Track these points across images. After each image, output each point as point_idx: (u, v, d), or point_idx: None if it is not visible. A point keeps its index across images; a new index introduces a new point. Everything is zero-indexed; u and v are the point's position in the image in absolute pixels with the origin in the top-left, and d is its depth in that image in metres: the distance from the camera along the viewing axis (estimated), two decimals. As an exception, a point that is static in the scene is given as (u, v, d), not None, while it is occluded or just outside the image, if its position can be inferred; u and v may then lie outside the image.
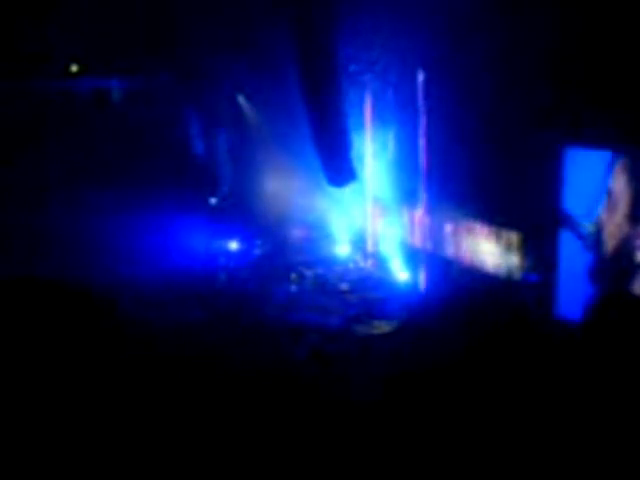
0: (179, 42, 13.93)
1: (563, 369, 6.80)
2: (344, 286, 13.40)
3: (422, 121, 12.30)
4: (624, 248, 8.21)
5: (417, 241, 12.99)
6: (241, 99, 16.49)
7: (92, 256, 12.63)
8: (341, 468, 4.81)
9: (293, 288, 13.44)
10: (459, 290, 11.13)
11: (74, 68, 14.26)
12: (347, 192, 15.87)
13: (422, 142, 12.34)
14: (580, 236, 8.70)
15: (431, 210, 12.46)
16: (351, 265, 14.81)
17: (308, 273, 14.15)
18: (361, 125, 14.25)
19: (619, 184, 8.13)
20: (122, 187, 14.37)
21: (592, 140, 8.26)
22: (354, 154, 13.30)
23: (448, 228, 12.11)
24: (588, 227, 8.59)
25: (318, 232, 16.25)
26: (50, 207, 13.88)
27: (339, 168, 13.01)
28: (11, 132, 13.69)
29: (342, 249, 15.82)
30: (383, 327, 10.77)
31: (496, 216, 10.58)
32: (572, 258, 8.91)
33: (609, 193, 8.24)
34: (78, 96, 14.94)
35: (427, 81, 12.06)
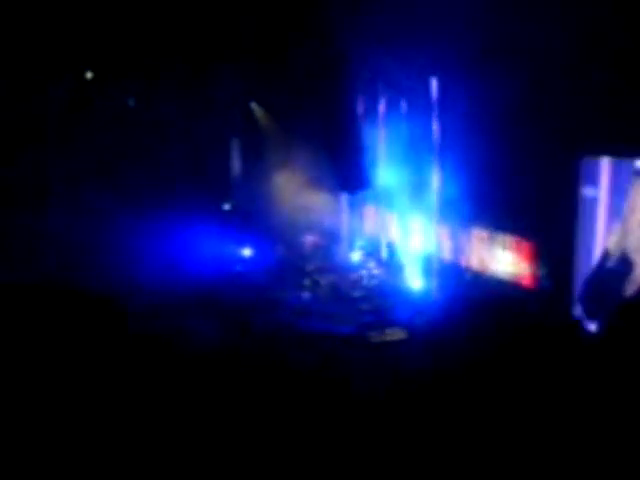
0: (193, 49, 13.98)
1: (580, 374, 6.71)
2: (357, 293, 13.36)
3: (437, 129, 12.25)
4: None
5: (431, 249, 12.92)
6: (254, 105, 16.54)
7: (105, 261, 12.65)
8: (347, 470, 4.79)
9: (307, 295, 13.40)
10: (472, 297, 11.06)
11: (89, 75, 14.37)
12: (360, 199, 15.87)
13: (437, 150, 12.29)
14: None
15: (445, 218, 12.39)
16: (364, 272, 14.76)
17: (322, 280, 14.12)
18: (374, 132, 14.24)
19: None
20: (135, 192, 14.43)
21: (609, 151, 8.20)
22: (368, 161, 13.28)
23: (462, 236, 12.05)
24: None
25: (331, 238, 16.24)
26: (62, 211, 13.92)
27: (352, 175, 13.00)
28: (24, 133, 13.79)
29: (355, 256, 15.78)
30: (396, 334, 10.71)
31: (511, 224, 10.50)
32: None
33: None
34: (92, 100, 15.05)
35: (442, 89, 12.02)
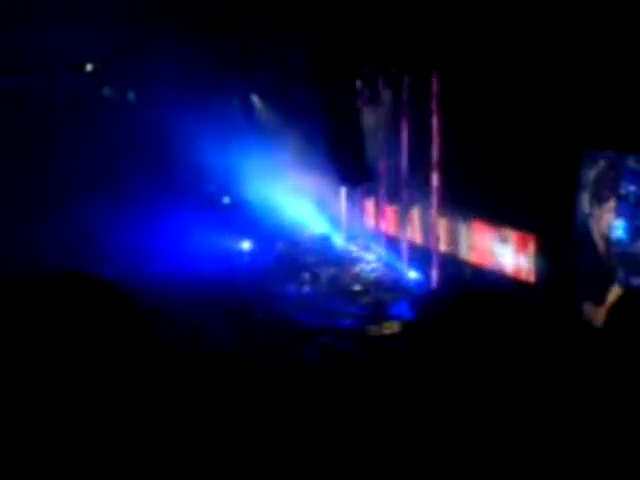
0: (191, 41, 13.92)
1: (581, 367, 6.69)
2: (357, 287, 13.35)
3: (436, 121, 12.23)
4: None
5: (430, 242, 12.91)
6: (255, 98, 16.51)
7: (104, 256, 12.63)
8: (347, 466, 4.77)
9: (306, 289, 13.39)
10: (472, 291, 11.04)
11: (89, 67, 14.33)
12: (360, 193, 15.87)
13: (436, 143, 12.27)
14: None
15: (445, 211, 12.38)
16: (364, 265, 14.76)
17: (321, 273, 14.10)
18: (374, 125, 14.22)
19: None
20: (134, 188, 14.40)
21: (609, 144, 8.19)
22: (368, 155, 13.29)
23: (462, 229, 12.04)
24: None
25: (331, 232, 16.24)
26: (65, 207, 13.86)
27: (354, 168, 13.01)
28: (23, 132, 13.76)
29: (354, 249, 15.78)
30: (395, 327, 10.72)
31: (512, 218, 10.49)
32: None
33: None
34: (94, 96, 15.02)
35: (442, 82, 12.00)
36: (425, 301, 10.60)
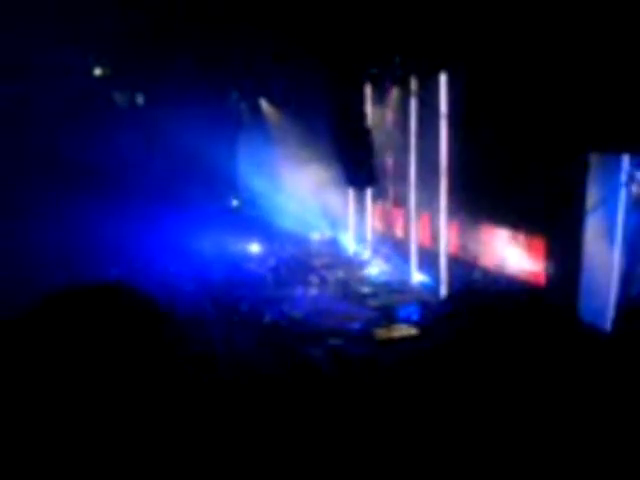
0: (203, 45, 13.97)
1: (589, 370, 6.68)
2: (365, 289, 13.32)
3: (445, 124, 12.21)
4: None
5: (439, 244, 12.89)
6: (263, 102, 16.55)
7: (111, 258, 12.68)
8: (356, 465, 4.78)
9: (314, 291, 13.38)
10: (481, 294, 11.03)
11: (97, 71, 14.39)
12: (368, 195, 15.86)
13: (445, 146, 12.24)
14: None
15: (454, 215, 12.35)
16: (372, 268, 14.74)
17: (329, 276, 14.10)
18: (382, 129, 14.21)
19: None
20: (138, 190, 14.45)
21: (615, 145, 8.18)
22: (375, 158, 13.27)
23: (470, 232, 12.01)
24: None
25: (339, 234, 16.24)
26: (76, 210, 13.90)
27: (361, 171, 12.99)
28: (27, 133, 13.82)
29: (363, 251, 15.76)
30: (404, 331, 10.69)
31: (520, 220, 10.46)
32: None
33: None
34: (103, 99, 15.09)
35: (451, 84, 11.98)
36: (440, 307, 10.59)
